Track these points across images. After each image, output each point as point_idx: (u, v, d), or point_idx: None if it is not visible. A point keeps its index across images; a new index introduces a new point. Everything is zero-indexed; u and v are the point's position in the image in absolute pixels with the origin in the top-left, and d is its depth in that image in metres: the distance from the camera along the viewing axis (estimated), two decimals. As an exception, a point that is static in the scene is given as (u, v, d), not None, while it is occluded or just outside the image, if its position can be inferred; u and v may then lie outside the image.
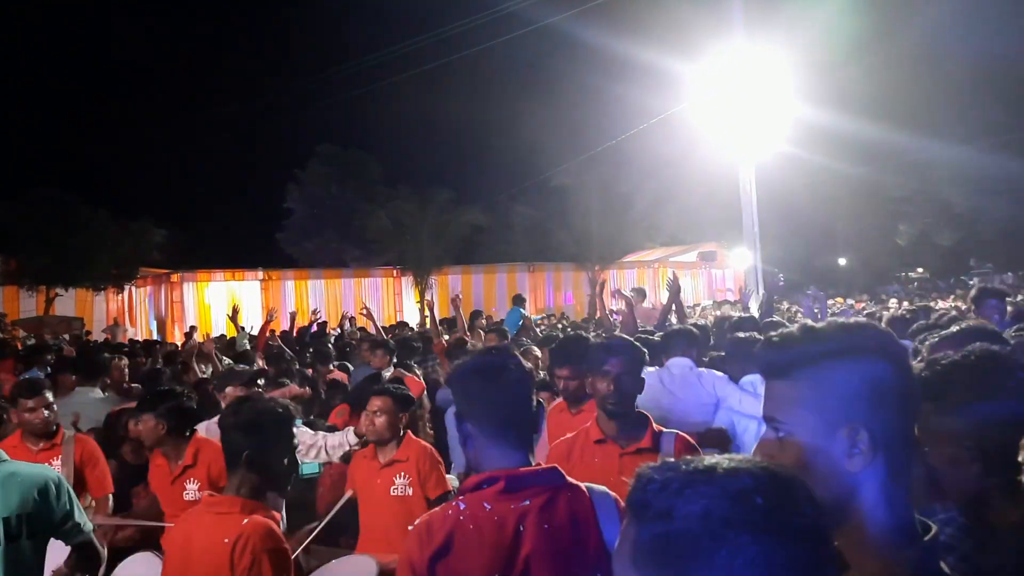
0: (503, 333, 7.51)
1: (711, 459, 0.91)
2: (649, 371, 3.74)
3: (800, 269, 26.80)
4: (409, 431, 4.06)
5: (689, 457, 0.93)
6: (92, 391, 5.86)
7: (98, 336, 17.84)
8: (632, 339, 3.33)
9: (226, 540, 2.30)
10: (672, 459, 0.93)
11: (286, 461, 2.56)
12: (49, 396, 4.29)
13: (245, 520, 2.36)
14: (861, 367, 1.15)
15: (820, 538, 0.87)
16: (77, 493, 4.11)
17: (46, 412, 4.21)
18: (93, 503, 4.29)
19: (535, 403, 1.98)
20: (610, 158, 25.07)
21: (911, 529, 1.14)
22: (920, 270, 33.79)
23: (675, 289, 6.71)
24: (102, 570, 3.25)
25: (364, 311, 8.93)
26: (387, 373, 6.94)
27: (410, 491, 3.80)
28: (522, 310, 12.05)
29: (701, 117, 16.30)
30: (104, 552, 3.23)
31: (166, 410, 3.95)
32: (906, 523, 1.14)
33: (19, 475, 2.81)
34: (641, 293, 7.46)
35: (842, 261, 35.45)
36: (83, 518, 3.02)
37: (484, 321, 11.75)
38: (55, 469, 4.10)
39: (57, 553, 3.11)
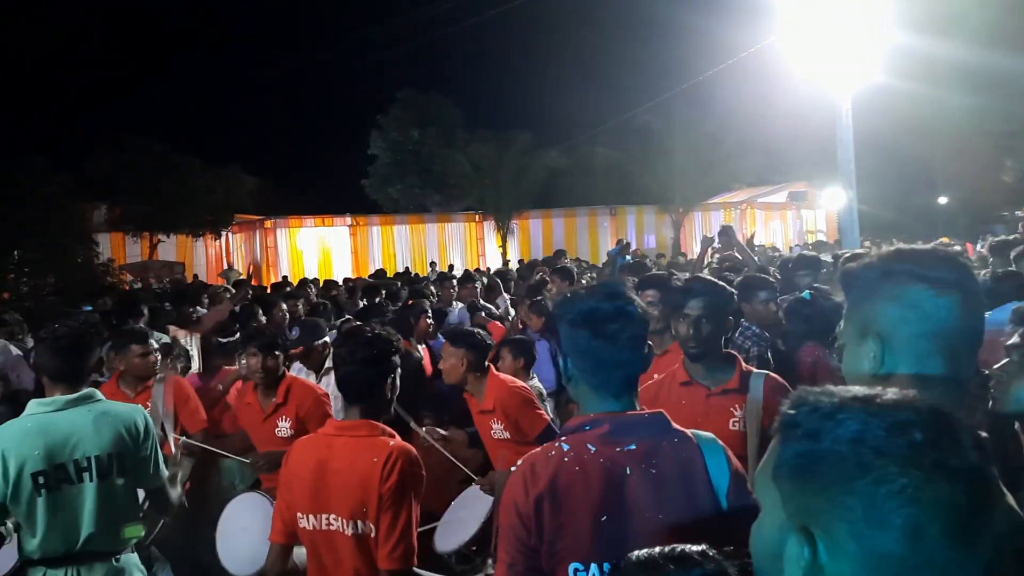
0: (567, 273, 7.46)
1: (874, 390, 0.89)
2: None
3: (896, 208, 25.54)
4: (493, 368, 4.00)
5: (855, 388, 0.90)
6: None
7: (211, 281, 18.90)
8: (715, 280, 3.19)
9: (375, 459, 2.42)
10: (815, 388, 0.90)
11: (393, 389, 2.65)
12: (154, 343, 4.52)
13: (392, 442, 2.49)
14: None
15: (977, 481, 0.82)
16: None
17: (155, 356, 4.44)
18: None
19: (647, 347, 1.88)
20: (695, 95, 24.34)
21: None
22: (1027, 208, 31.65)
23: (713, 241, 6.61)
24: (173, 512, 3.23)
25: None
26: (458, 307, 7.40)
27: (507, 435, 3.81)
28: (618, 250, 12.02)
29: (791, 49, 15.50)
30: (176, 494, 3.18)
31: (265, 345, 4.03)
32: None
33: (111, 414, 2.85)
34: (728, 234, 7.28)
35: (942, 200, 33.58)
36: (162, 463, 3.04)
37: (567, 261, 11.78)
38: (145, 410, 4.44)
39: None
